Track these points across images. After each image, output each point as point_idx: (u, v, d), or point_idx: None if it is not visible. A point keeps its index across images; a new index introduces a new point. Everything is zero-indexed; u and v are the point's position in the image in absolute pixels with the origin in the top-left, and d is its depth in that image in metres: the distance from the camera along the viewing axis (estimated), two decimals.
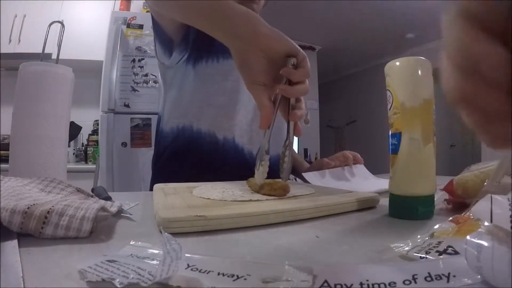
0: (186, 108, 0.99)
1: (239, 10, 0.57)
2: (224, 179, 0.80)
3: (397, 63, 0.50)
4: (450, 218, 0.38)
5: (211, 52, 0.98)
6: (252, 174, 0.62)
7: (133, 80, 2.37)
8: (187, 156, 0.97)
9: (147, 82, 2.38)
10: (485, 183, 0.46)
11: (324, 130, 6.45)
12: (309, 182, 0.86)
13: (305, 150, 5.52)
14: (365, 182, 0.91)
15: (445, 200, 0.55)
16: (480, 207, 0.25)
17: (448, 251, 0.27)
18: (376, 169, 1.02)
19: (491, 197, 0.25)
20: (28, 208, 0.36)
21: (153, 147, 1.13)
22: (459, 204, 0.51)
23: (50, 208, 0.36)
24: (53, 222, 0.35)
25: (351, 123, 6.97)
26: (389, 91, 0.50)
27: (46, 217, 0.35)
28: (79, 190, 0.52)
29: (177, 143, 0.99)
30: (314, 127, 5.92)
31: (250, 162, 0.98)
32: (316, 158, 5.57)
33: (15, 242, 0.32)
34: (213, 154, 0.96)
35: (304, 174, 0.90)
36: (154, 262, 0.26)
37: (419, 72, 0.48)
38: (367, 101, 6.50)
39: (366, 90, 6.51)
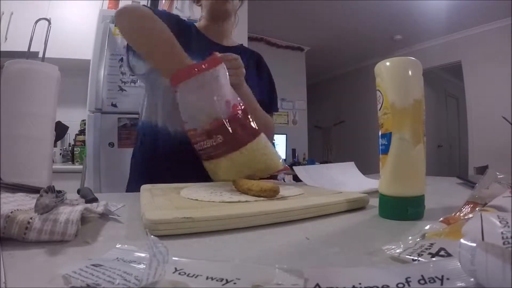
0: (148, 108, 1.08)
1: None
2: (180, 169, 0.91)
3: (388, 64, 0.50)
4: (441, 218, 0.38)
5: None
6: None
7: (120, 80, 2.33)
8: (152, 151, 1.05)
9: (134, 82, 2.34)
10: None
11: (312, 130, 6.48)
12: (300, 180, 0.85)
13: (293, 151, 5.53)
14: (355, 181, 0.91)
15: None
16: (470, 226, 0.25)
17: (440, 253, 0.26)
18: (363, 169, 1.02)
19: (481, 215, 0.25)
20: (11, 212, 0.35)
21: None
22: None
23: (31, 218, 0.35)
24: (36, 228, 0.34)
25: (339, 123, 7.01)
26: (379, 91, 0.50)
27: (29, 222, 0.34)
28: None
29: (144, 139, 1.08)
30: (302, 128, 5.94)
31: None
32: (304, 159, 5.59)
33: None
34: (167, 147, 1.02)
35: (295, 168, 0.87)
36: (141, 266, 0.25)
37: (410, 72, 0.48)
38: (355, 102, 6.55)
39: (354, 91, 6.56)
